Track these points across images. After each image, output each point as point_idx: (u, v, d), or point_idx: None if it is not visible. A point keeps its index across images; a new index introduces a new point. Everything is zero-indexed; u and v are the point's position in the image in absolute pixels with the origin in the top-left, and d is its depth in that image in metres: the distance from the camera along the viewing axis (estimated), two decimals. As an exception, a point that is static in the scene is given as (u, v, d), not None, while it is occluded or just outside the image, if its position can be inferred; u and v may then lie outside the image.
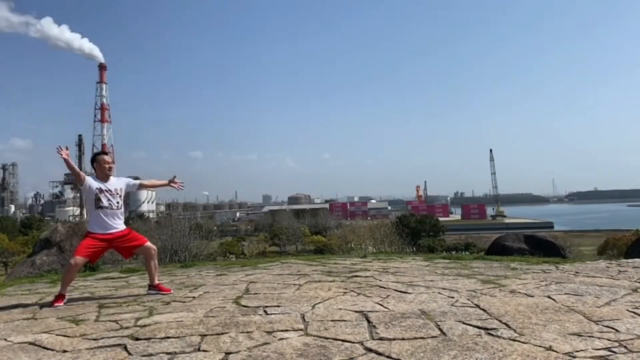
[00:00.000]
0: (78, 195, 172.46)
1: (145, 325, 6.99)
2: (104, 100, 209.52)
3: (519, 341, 5.71)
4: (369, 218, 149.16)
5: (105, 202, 9.30)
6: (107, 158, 9.62)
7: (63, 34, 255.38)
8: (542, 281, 9.72)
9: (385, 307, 7.66)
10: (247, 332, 6.38)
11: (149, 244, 9.80)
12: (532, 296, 8.29)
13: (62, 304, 8.80)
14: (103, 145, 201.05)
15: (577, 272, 10.78)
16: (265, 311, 7.62)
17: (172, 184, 10.29)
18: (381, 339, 5.97)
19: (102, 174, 9.46)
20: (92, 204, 9.31)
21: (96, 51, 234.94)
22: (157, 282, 9.81)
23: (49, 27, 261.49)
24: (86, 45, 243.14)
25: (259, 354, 5.48)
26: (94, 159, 9.58)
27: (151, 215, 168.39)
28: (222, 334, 6.37)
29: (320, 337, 6.09)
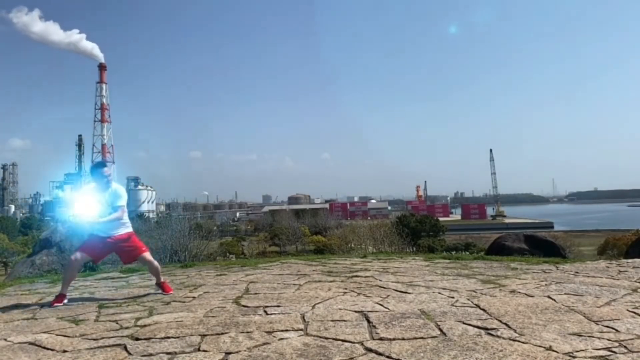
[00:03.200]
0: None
1: (145, 325, 7.00)
2: (104, 100, 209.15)
3: (519, 341, 5.72)
4: (369, 218, 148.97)
5: (102, 212, 9.29)
6: (105, 170, 9.59)
7: (34, 24, 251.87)
8: (542, 281, 9.73)
9: (385, 307, 7.66)
10: (247, 332, 6.38)
11: (147, 256, 9.77)
12: (532, 296, 8.30)
13: (62, 304, 8.81)
14: (103, 146, 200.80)
15: (577, 272, 10.78)
16: (265, 311, 7.63)
17: None
18: (381, 339, 5.97)
19: (101, 185, 9.43)
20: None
21: (84, 43, 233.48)
22: (162, 280, 9.91)
23: (18, 17, 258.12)
24: (57, 33, 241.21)
25: (259, 354, 5.48)
26: (103, 171, 9.55)
27: (151, 215, 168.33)
28: (222, 334, 6.38)
29: (320, 337, 6.10)
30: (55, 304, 8.74)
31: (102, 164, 9.65)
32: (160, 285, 9.83)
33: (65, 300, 8.98)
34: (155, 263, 9.88)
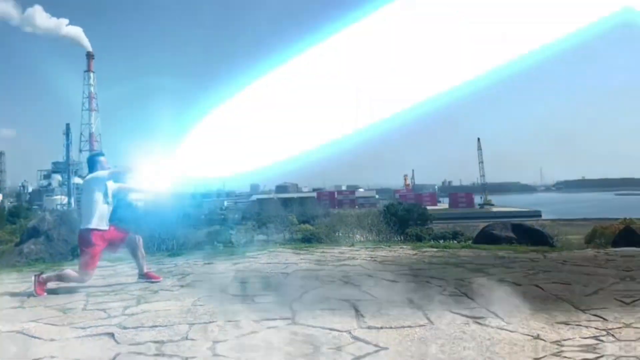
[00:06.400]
0: (65, 183, 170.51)
1: (133, 314, 6.99)
2: (92, 89, 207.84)
3: (506, 330, 5.74)
4: (356, 207, 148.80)
5: (109, 198, 9.17)
6: (106, 159, 9.50)
7: None
8: (529, 270, 9.73)
9: (373, 296, 7.67)
10: (235, 321, 6.38)
11: (132, 233, 9.64)
12: (520, 285, 8.31)
13: (44, 294, 8.68)
14: (91, 134, 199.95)
15: (564, 261, 10.79)
16: (253, 300, 7.63)
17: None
18: (369, 327, 5.98)
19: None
20: (102, 197, 9.16)
21: (44, 18, 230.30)
22: (146, 270, 9.75)
23: None
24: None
25: (247, 342, 5.49)
26: (97, 160, 9.41)
27: (139, 204, 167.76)
28: (210, 322, 6.38)
29: (309, 325, 6.10)
30: (40, 294, 8.60)
31: (101, 155, 9.60)
32: (145, 275, 9.72)
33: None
34: (141, 243, 9.78)
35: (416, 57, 9.16)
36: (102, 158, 9.54)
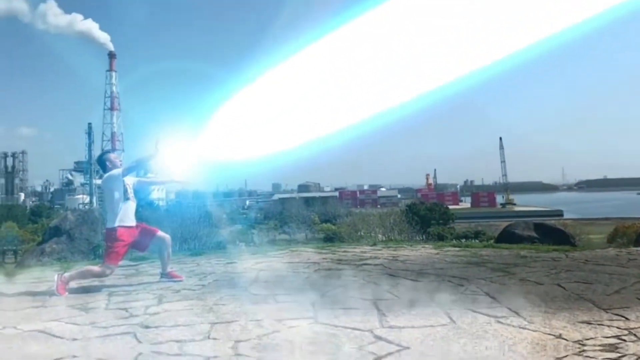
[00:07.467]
0: (87, 182, 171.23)
1: (155, 314, 7.00)
2: (114, 88, 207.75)
3: (528, 329, 5.72)
4: (378, 206, 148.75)
5: (130, 194, 9.18)
6: (116, 155, 9.53)
7: None
8: (551, 269, 9.68)
9: (395, 295, 7.66)
10: (257, 320, 6.39)
11: (162, 233, 9.68)
12: (541, 284, 8.28)
13: (66, 294, 8.68)
14: (113, 134, 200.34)
15: (586, 260, 10.73)
16: (275, 299, 7.63)
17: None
18: (391, 327, 5.97)
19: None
20: (121, 195, 9.17)
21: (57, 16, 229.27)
22: (169, 270, 9.76)
23: None
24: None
25: (268, 342, 5.50)
26: (105, 158, 9.44)
27: (161, 203, 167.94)
28: (232, 322, 6.38)
29: (330, 325, 6.10)
30: (61, 293, 8.62)
31: (109, 152, 9.62)
32: (167, 274, 9.71)
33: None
34: (170, 243, 9.84)
35: (435, 51, 9.14)
36: (110, 155, 9.54)
